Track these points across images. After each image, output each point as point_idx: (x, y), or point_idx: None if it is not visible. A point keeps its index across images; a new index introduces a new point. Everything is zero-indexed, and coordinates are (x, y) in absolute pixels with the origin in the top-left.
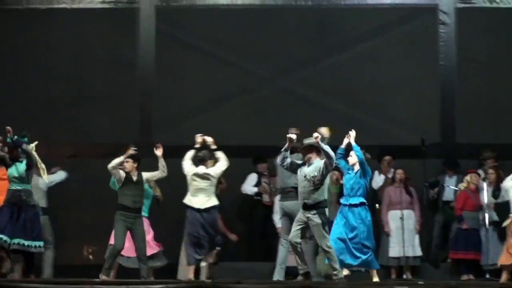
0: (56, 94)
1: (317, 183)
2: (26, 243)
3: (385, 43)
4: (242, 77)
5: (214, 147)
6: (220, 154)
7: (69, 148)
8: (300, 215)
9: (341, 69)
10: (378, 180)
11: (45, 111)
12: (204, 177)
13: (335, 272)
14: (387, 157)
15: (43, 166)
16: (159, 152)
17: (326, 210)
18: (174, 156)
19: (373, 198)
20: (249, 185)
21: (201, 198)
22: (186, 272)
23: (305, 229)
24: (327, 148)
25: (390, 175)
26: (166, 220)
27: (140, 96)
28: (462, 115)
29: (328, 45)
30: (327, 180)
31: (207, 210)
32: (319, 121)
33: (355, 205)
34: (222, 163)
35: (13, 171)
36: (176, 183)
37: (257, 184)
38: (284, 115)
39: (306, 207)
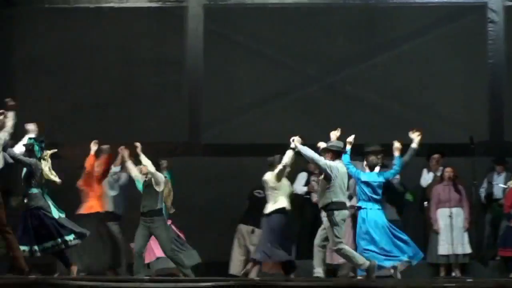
0: (104, 94)
1: (325, 185)
2: (47, 245)
3: (433, 41)
4: (290, 75)
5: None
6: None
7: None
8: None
9: (389, 67)
10: (427, 178)
11: (94, 111)
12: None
13: (360, 263)
14: (436, 155)
15: (52, 174)
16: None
17: (339, 212)
18: (222, 154)
19: (422, 196)
20: (299, 185)
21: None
22: (238, 267)
23: None
24: (306, 153)
25: (438, 173)
26: (218, 219)
27: (188, 95)
28: (510, 113)
29: (376, 43)
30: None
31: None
32: (367, 119)
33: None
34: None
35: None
36: (226, 182)
37: (307, 183)
38: (332, 113)
39: (320, 209)
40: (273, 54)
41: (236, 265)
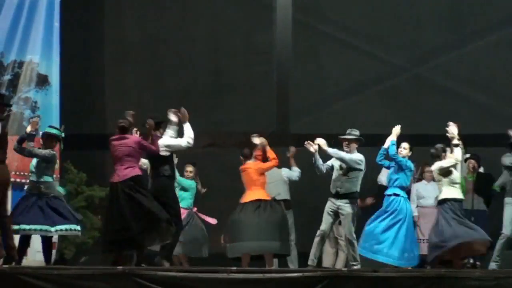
0: (193, 84)
1: (347, 174)
2: (45, 228)
3: None
4: (378, 65)
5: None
6: None
7: (206, 137)
8: (331, 205)
9: (478, 57)
10: None
11: (182, 100)
12: None
13: (354, 263)
14: None
15: None
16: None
17: (357, 201)
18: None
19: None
20: (384, 176)
21: None
22: (330, 260)
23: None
24: (332, 153)
25: None
26: (307, 209)
27: (277, 85)
28: None
29: (464, 32)
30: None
31: None
32: (455, 110)
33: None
34: None
35: (33, 162)
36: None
37: None
38: (420, 103)
39: (338, 196)
40: (361, 44)
41: (328, 258)
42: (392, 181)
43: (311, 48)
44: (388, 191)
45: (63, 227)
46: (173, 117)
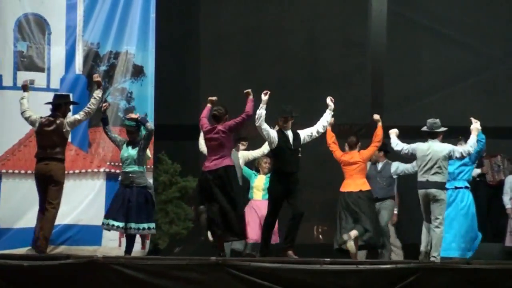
0: (288, 75)
1: None
2: (138, 226)
3: None
4: (474, 57)
5: None
6: None
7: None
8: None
9: None
10: None
11: (279, 91)
12: None
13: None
14: None
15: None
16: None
17: None
18: (405, 136)
19: None
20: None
21: None
22: None
23: None
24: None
25: None
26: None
27: (371, 77)
28: None
29: None
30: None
31: None
32: None
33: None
34: None
35: (124, 152)
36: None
37: (479, 165)
38: None
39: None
40: (457, 35)
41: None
42: (462, 174)
43: (406, 40)
44: (459, 184)
45: (145, 225)
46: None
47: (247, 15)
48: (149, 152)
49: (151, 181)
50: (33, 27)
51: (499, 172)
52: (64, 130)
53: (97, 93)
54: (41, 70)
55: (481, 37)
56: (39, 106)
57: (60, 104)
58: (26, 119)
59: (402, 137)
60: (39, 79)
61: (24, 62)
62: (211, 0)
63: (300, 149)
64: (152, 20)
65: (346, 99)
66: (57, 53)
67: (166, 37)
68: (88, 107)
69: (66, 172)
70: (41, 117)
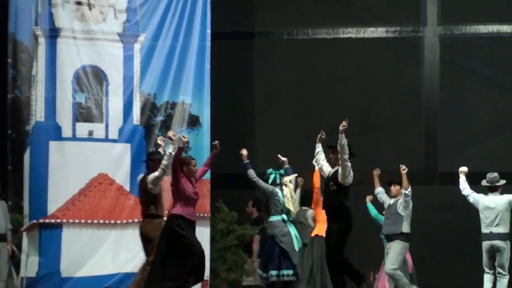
0: (341, 121)
1: None
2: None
3: None
4: None
5: None
6: None
7: (355, 175)
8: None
9: None
10: None
11: (332, 139)
12: None
13: None
14: None
15: (291, 203)
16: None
17: None
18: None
19: None
20: None
21: None
22: None
23: None
24: None
25: None
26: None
27: (425, 123)
28: None
29: None
30: None
31: None
32: None
33: None
34: None
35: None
36: (463, 210)
37: None
38: None
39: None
40: (508, 82)
41: None
42: None
43: (458, 86)
44: None
45: (290, 271)
46: None
47: (299, 63)
48: None
49: (209, 229)
50: (91, 79)
51: None
52: (148, 187)
53: (170, 150)
54: (99, 121)
55: None
56: (98, 157)
57: (147, 162)
58: None
59: (457, 183)
60: (97, 130)
61: (83, 114)
62: (264, 49)
63: None
64: (207, 71)
65: (399, 145)
66: (115, 104)
67: (221, 87)
68: (163, 164)
69: (125, 221)
70: None
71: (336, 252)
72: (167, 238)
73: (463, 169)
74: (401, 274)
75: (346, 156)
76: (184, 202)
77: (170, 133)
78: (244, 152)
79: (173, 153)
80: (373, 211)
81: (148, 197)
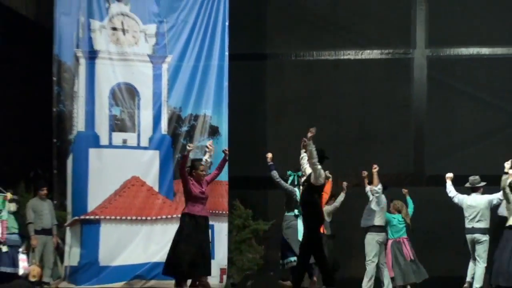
0: (343, 133)
1: None
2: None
3: None
4: (502, 116)
5: None
6: None
7: (353, 179)
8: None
9: None
10: None
11: (334, 147)
12: None
13: None
14: None
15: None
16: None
17: None
18: (444, 185)
19: None
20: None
21: None
22: None
23: None
24: None
25: None
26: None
27: (414, 133)
28: None
29: None
30: None
31: None
32: None
33: None
34: None
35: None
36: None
37: None
38: None
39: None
40: (487, 97)
41: None
42: None
43: (443, 100)
44: None
45: (293, 258)
46: None
47: (305, 81)
48: None
49: (226, 224)
50: (125, 95)
51: None
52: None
53: (206, 157)
54: (132, 131)
55: (509, 98)
56: (131, 163)
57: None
58: None
59: (442, 185)
60: (130, 138)
61: (118, 125)
62: (275, 69)
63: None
64: (225, 88)
65: (391, 152)
66: (145, 116)
67: (237, 101)
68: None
69: (155, 217)
70: None
71: (307, 244)
72: (176, 231)
73: (449, 175)
74: (371, 265)
75: (315, 160)
76: (192, 201)
77: (209, 143)
78: (269, 155)
79: (209, 160)
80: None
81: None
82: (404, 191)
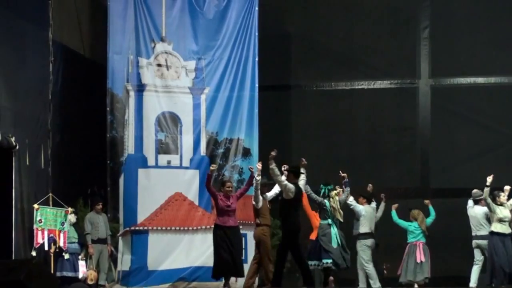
0: (358, 153)
1: None
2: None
3: None
4: (498, 136)
5: None
6: None
7: (367, 192)
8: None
9: None
10: None
11: (350, 164)
12: None
13: None
14: None
15: (338, 212)
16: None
17: None
18: (449, 196)
19: None
20: None
21: None
22: None
23: None
24: None
25: None
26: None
27: (420, 152)
28: None
29: None
30: None
31: None
32: None
33: None
34: None
35: None
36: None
37: None
38: None
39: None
40: (483, 120)
41: None
42: None
43: (445, 123)
44: None
45: (329, 260)
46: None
47: (325, 108)
48: None
49: None
50: (168, 122)
51: None
52: (252, 204)
53: (256, 176)
54: (175, 153)
55: (502, 121)
56: (174, 181)
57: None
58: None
59: (446, 196)
60: (174, 159)
61: (163, 148)
62: (298, 97)
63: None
64: (255, 114)
65: (400, 169)
66: (186, 140)
67: (267, 125)
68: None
69: (195, 228)
70: None
71: (281, 249)
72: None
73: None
74: (369, 266)
75: (278, 178)
76: (219, 213)
77: (257, 164)
78: (273, 153)
79: (258, 179)
80: (394, 216)
81: (254, 211)
82: (426, 202)
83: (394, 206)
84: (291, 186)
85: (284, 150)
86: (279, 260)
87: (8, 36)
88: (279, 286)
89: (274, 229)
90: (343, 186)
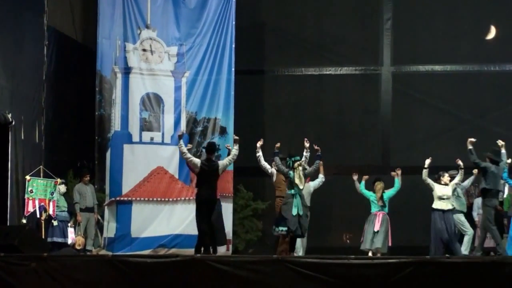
0: (324, 132)
1: None
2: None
3: None
4: (452, 119)
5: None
6: None
7: (334, 168)
8: None
9: None
10: None
11: (318, 143)
12: None
13: None
14: None
15: (299, 181)
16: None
17: None
18: (408, 173)
19: None
20: None
21: None
22: None
23: None
24: None
25: None
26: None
27: (382, 133)
28: None
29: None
30: None
31: None
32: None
33: None
34: None
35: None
36: (410, 194)
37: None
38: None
39: None
40: (439, 104)
41: None
42: None
43: (404, 107)
44: None
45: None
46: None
47: (296, 92)
48: None
49: (231, 204)
50: (152, 102)
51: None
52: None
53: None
54: (157, 130)
55: (456, 105)
56: (156, 156)
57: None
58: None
59: (404, 173)
60: (156, 136)
61: (147, 125)
62: (271, 82)
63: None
64: (232, 96)
65: (363, 147)
66: (168, 119)
67: (242, 106)
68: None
69: (175, 199)
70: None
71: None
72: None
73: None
74: None
75: (184, 155)
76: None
77: (259, 143)
78: (278, 145)
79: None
80: (361, 187)
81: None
82: (393, 173)
83: (365, 177)
84: (196, 161)
85: (257, 129)
86: (198, 228)
87: (7, 22)
88: (198, 252)
89: (247, 200)
90: (317, 159)
